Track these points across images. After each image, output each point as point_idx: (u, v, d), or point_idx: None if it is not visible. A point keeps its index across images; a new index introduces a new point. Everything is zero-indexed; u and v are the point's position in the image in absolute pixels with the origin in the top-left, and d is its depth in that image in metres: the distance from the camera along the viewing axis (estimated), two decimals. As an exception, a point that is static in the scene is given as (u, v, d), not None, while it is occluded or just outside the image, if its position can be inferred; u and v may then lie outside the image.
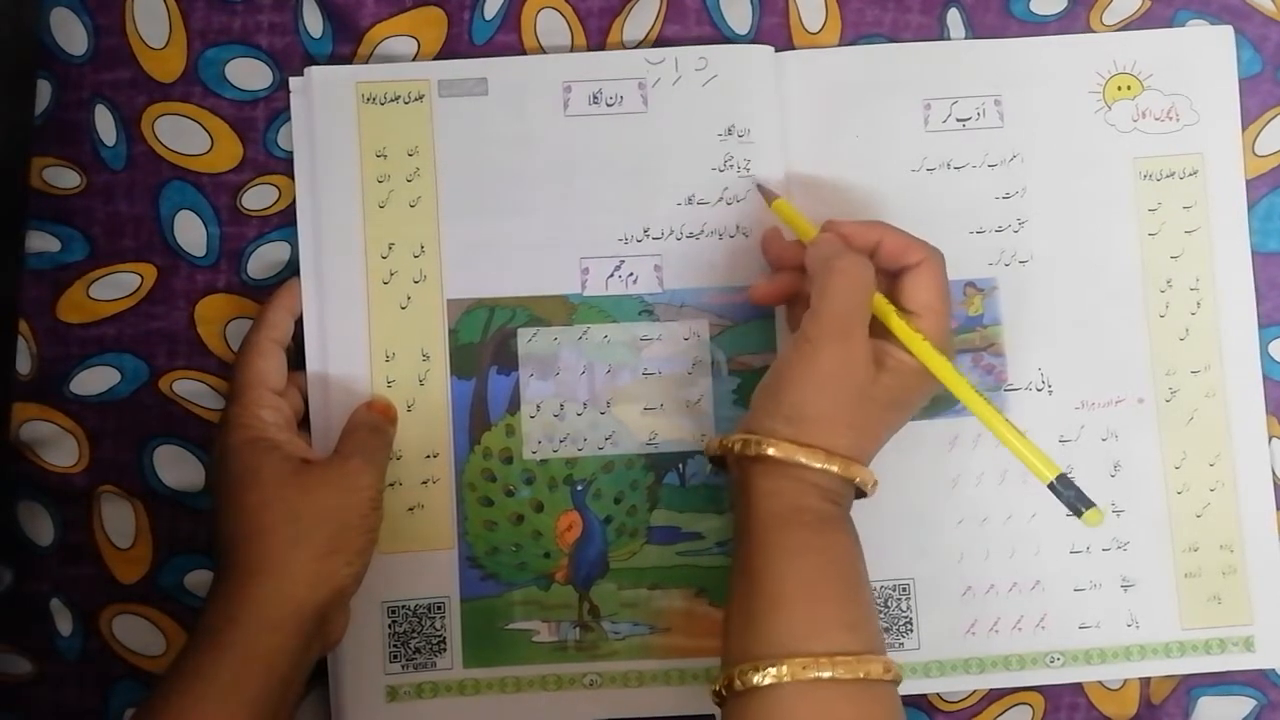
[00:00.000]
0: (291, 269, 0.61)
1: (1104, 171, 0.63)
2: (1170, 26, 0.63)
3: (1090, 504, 0.52)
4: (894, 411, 0.56)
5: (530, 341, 0.61)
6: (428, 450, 0.60)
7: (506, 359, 0.61)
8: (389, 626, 0.59)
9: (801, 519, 0.53)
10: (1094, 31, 0.63)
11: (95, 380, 0.61)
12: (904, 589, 0.61)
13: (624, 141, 0.62)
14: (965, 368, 0.62)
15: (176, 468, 0.61)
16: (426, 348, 0.60)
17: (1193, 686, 0.62)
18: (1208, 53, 0.63)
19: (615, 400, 0.61)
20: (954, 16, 0.63)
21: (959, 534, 0.61)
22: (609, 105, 0.62)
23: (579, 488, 0.61)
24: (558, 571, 0.61)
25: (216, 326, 0.61)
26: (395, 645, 0.59)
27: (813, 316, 0.54)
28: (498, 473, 0.61)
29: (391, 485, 0.59)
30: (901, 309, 0.55)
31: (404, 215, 0.61)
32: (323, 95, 0.60)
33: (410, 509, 0.60)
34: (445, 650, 0.60)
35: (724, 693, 0.51)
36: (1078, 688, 0.62)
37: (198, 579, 0.60)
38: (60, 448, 0.60)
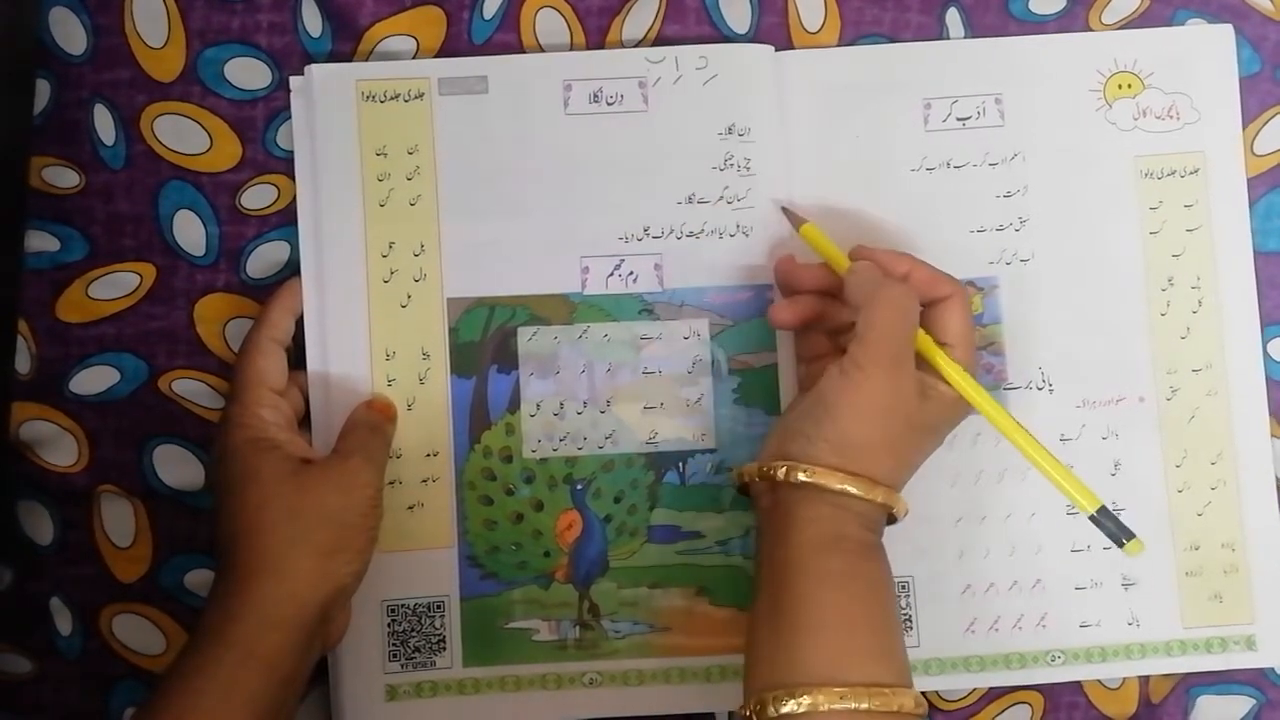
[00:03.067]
0: (291, 268, 0.61)
1: (1105, 170, 0.63)
2: (1169, 25, 0.63)
3: (1131, 535, 0.54)
4: (931, 439, 0.56)
5: (530, 340, 0.61)
6: (428, 449, 0.60)
7: (506, 358, 0.61)
8: (388, 625, 0.59)
9: (843, 547, 0.53)
10: (1093, 31, 0.63)
11: (95, 380, 0.61)
12: (903, 587, 0.61)
13: (624, 140, 0.61)
14: (965, 366, 0.62)
15: (176, 467, 0.61)
16: (427, 346, 0.60)
17: (1192, 685, 0.62)
18: (1208, 51, 0.63)
19: (615, 399, 0.61)
20: (953, 16, 0.63)
21: (958, 532, 0.61)
22: (609, 104, 0.62)
23: (579, 487, 0.61)
24: (558, 570, 0.61)
25: (216, 326, 0.61)
26: (395, 644, 0.59)
27: (862, 345, 0.54)
28: (498, 471, 0.61)
29: (391, 484, 0.59)
30: (936, 340, 0.56)
31: (404, 214, 0.61)
32: (323, 93, 0.60)
33: (410, 507, 0.60)
34: (445, 649, 0.60)
35: (753, 718, 0.50)
36: (1077, 686, 0.62)
37: (198, 578, 0.60)
38: (60, 447, 0.60)
